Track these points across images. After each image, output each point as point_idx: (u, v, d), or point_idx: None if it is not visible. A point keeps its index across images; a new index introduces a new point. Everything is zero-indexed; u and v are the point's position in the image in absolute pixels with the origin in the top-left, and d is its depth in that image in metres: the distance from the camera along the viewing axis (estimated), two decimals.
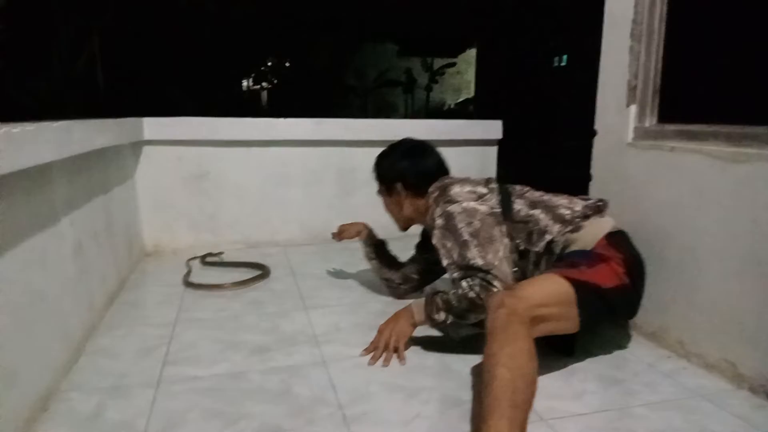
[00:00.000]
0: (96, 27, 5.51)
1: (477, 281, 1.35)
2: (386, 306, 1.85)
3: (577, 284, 1.27)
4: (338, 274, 2.24)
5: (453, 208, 1.48)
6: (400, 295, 1.91)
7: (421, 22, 9.53)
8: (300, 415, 1.17)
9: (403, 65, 10.66)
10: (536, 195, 1.56)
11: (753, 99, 1.39)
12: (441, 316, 1.41)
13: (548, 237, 1.45)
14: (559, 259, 1.43)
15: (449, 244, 1.44)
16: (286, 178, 2.73)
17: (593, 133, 1.77)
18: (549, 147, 4.51)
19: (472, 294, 1.34)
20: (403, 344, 1.46)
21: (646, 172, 1.57)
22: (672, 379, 1.36)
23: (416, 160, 1.69)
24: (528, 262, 1.50)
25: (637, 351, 1.52)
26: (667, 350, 1.51)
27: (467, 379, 1.34)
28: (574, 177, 1.89)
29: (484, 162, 2.98)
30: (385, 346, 1.46)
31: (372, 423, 1.15)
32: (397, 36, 10.94)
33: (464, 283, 1.37)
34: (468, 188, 1.54)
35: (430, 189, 1.63)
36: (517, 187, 1.59)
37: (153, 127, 2.48)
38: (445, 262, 1.46)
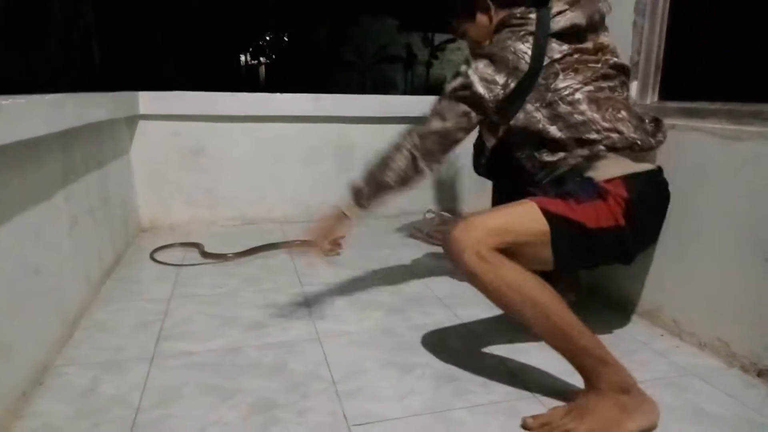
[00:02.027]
0: (91, 1, 5.41)
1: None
2: (381, 283, 1.85)
3: (554, 219, 1.16)
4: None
5: (501, 48, 1.29)
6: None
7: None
8: (294, 391, 1.18)
9: (402, 41, 10.51)
10: (566, 108, 1.28)
11: (756, 76, 1.36)
12: (389, 176, 1.32)
13: (561, 156, 1.29)
14: (555, 182, 1.31)
15: (489, 70, 1.29)
16: (283, 154, 2.71)
17: None
18: None
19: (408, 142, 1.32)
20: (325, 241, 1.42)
21: None
22: (665, 357, 1.36)
23: None
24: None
25: (632, 329, 1.53)
26: (661, 329, 1.52)
27: (462, 356, 1.34)
28: None
29: None
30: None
31: (366, 398, 1.15)
32: (397, 11, 10.77)
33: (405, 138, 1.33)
34: (522, 32, 1.29)
35: (516, 11, 1.34)
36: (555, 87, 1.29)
37: (148, 101, 2.45)
38: (482, 91, 1.29)
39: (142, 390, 1.17)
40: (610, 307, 1.68)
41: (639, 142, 1.28)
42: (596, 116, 1.27)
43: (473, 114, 1.31)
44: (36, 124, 1.19)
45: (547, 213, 1.17)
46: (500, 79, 1.28)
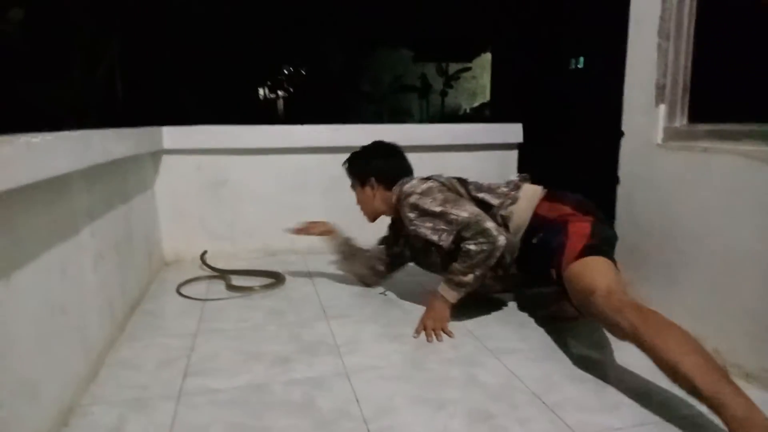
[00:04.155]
0: (115, 35, 5.58)
1: (473, 232, 1.57)
2: (406, 314, 1.81)
3: (591, 251, 1.44)
4: (358, 283, 2.21)
5: (413, 199, 1.70)
6: (373, 283, 2.11)
7: (436, 27, 9.51)
8: (324, 429, 1.14)
9: (417, 70, 10.62)
10: (479, 183, 1.79)
11: None
12: (468, 278, 1.61)
13: (493, 210, 1.67)
14: (535, 252, 1.60)
15: (429, 224, 1.66)
16: (304, 185, 2.71)
17: (620, 135, 1.72)
18: (569, 151, 4.43)
19: (479, 245, 1.57)
20: (446, 327, 1.63)
21: (677, 174, 1.52)
22: None
23: (388, 158, 1.92)
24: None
25: None
26: None
27: (495, 391, 1.30)
28: (599, 181, 1.84)
29: (504, 166, 2.92)
30: (430, 335, 1.61)
31: None
32: (412, 41, 10.92)
33: (472, 246, 1.58)
34: (414, 180, 1.80)
35: (394, 188, 1.85)
36: (462, 179, 1.81)
37: (172, 135, 2.48)
38: (436, 239, 1.65)
39: (170, 430, 1.14)
40: None
41: (524, 175, 1.80)
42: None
43: None
44: (64, 160, 1.19)
45: (585, 250, 1.45)
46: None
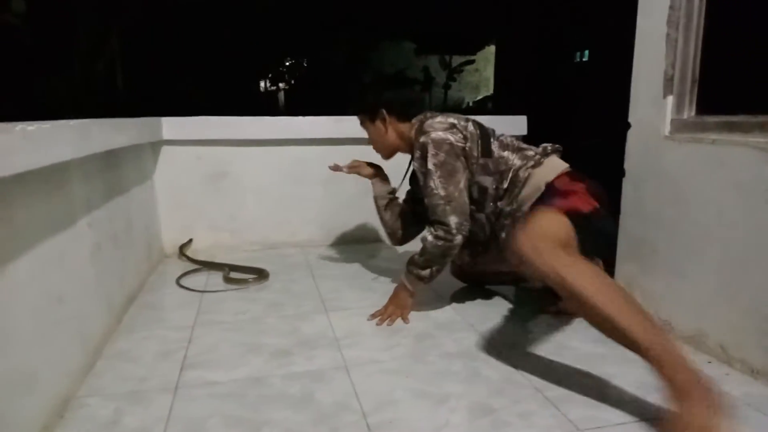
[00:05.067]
0: (116, 28, 5.54)
1: (436, 218, 1.58)
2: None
3: (566, 212, 1.35)
4: (358, 275, 2.19)
5: (424, 138, 1.62)
6: (396, 243, 2.05)
7: (439, 20, 9.44)
8: (323, 423, 1.12)
9: (420, 63, 10.56)
10: (508, 139, 1.70)
11: None
12: (426, 272, 1.63)
13: (513, 170, 1.60)
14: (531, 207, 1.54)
15: (422, 177, 1.62)
16: (305, 177, 2.69)
17: (627, 127, 1.69)
18: (574, 143, 4.40)
19: (436, 239, 1.58)
20: (406, 316, 1.69)
21: (685, 167, 1.49)
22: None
23: (398, 89, 1.86)
24: (489, 202, 1.65)
25: None
26: (707, 355, 1.43)
27: (497, 385, 1.28)
28: (605, 173, 1.81)
29: None
30: (384, 320, 1.67)
31: None
32: (415, 34, 10.86)
33: (429, 236, 1.60)
34: (440, 118, 1.68)
35: (413, 120, 1.76)
36: (495, 131, 1.73)
37: (172, 126, 2.46)
38: (425, 199, 1.63)
39: (166, 422, 1.13)
40: None
41: (558, 146, 1.67)
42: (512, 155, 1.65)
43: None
44: (61, 149, 1.18)
45: (556, 209, 1.37)
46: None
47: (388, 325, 1.66)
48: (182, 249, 2.46)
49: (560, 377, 1.31)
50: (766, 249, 1.26)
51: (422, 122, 1.70)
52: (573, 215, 1.35)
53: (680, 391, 1.01)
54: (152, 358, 1.44)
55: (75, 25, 5.11)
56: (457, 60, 9.95)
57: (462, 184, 1.60)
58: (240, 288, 2.04)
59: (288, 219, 2.69)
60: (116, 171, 1.82)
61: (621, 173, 1.73)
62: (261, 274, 2.13)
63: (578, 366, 1.37)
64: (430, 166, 1.59)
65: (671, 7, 1.51)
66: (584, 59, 5.92)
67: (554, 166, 1.61)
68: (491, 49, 9.69)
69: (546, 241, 1.22)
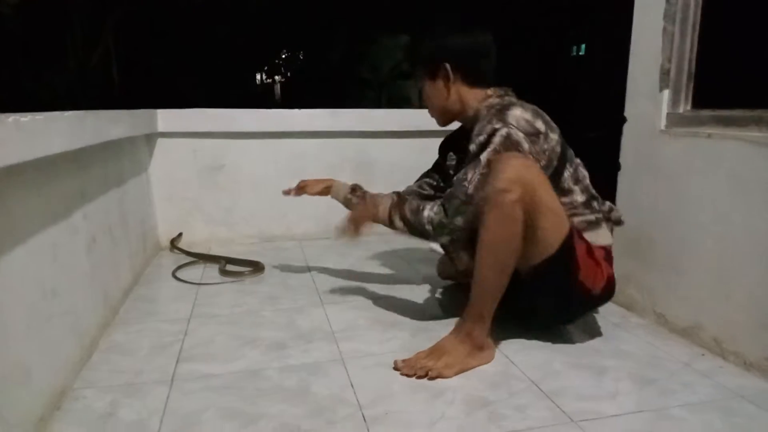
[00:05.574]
0: (111, 20, 5.51)
1: (448, 205, 1.37)
2: (403, 302, 1.80)
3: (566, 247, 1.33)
4: (354, 269, 2.19)
5: (499, 125, 1.31)
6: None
7: (436, 14, 9.42)
8: (319, 416, 1.12)
9: None
10: (582, 173, 1.45)
11: None
12: (399, 224, 1.47)
13: (568, 215, 1.36)
14: None
15: (467, 158, 1.37)
16: (302, 170, 2.66)
17: (622, 121, 1.69)
18: (570, 137, 4.40)
19: (433, 215, 1.39)
20: (360, 228, 1.57)
21: (681, 161, 1.50)
22: (709, 378, 1.28)
23: (471, 37, 1.42)
24: None
25: (671, 349, 1.45)
26: (701, 348, 1.44)
27: (493, 378, 1.28)
28: (600, 167, 1.81)
29: None
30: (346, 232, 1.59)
31: (394, 424, 1.10)
32: (412, 28, 10.83)
33: (426, 211, 1.40)
34: (530, 115, 1.35)
35: (490, 92, 1.45)
36: (573, 154, 1.46)
37: (167, 118, 2.44)
38: (466, 176, 1.35)
39: (162, 415, 1.13)
40: (643, 325, 1.61)
41: (614, 216, 1.51)
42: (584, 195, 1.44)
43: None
44: (55, 141, 1.17)
45: (568, 240, 1.32)
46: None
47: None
48: (173, 243, 2.46)
49: (556, 370, 1.32)
50: (762, 243, 1.26)
51: (504, 106, 1.37)
52: (579, 286, 1.37)
53: (468, 335, 1.32)
54: (148, 351, 1.44)
55: (69, 18, 5.07)
56: None
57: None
58: (236, 281, 2.04)
59: (284, 212, 2.68)
60: (111, 163, 1.81)
61: (617, 166, 1.73)
62: (257, 267, 2.13)
63: (574, 359, 1.38)
64: (483, 157, 1.32)
65: (668, 1, 1.51)
66: (581, 53, 5.91)
67: (603, 236, 1.44)
68: None
69: (522, 185, 1.22)
